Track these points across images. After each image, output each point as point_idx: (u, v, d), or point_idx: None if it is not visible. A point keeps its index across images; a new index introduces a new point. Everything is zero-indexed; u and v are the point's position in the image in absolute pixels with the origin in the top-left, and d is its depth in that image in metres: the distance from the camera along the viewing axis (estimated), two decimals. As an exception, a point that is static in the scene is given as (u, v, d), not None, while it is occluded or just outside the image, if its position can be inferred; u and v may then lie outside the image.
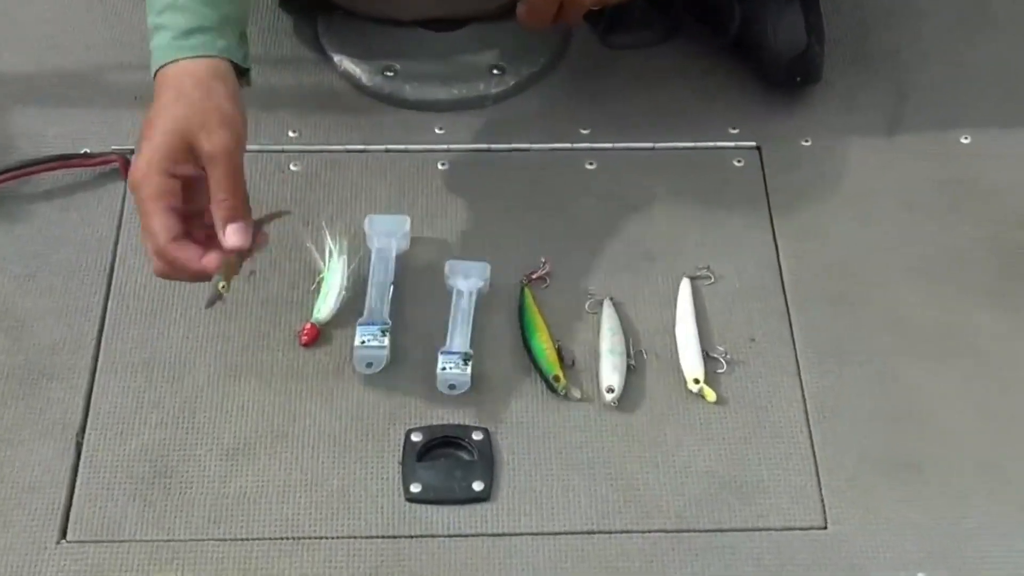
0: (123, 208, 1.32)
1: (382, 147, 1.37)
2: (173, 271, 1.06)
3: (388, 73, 1.42)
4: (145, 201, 1.04)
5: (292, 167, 1.35)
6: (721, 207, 1.33)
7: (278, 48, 1.46)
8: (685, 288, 1.26)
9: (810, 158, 1.38)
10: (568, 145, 1.38)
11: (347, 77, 1.43)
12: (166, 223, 1.04)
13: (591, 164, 1.37)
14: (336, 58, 1.44)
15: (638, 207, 1.33)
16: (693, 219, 1.32)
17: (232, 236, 1.05)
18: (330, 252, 1.25)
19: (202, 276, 1.06)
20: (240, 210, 1.05)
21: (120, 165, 1.34)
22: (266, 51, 1.45)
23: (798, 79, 1.39)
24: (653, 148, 1.38)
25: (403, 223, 1.26)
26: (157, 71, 1.09)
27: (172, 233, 1.04)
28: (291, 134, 1.38)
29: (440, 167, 1.36)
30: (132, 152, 1.33)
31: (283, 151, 1.36)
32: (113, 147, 1.35)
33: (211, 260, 1.05)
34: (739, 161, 1.37)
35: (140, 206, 1.05)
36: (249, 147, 1.29)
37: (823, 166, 1.37)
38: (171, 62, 1.08)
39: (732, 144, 1.38)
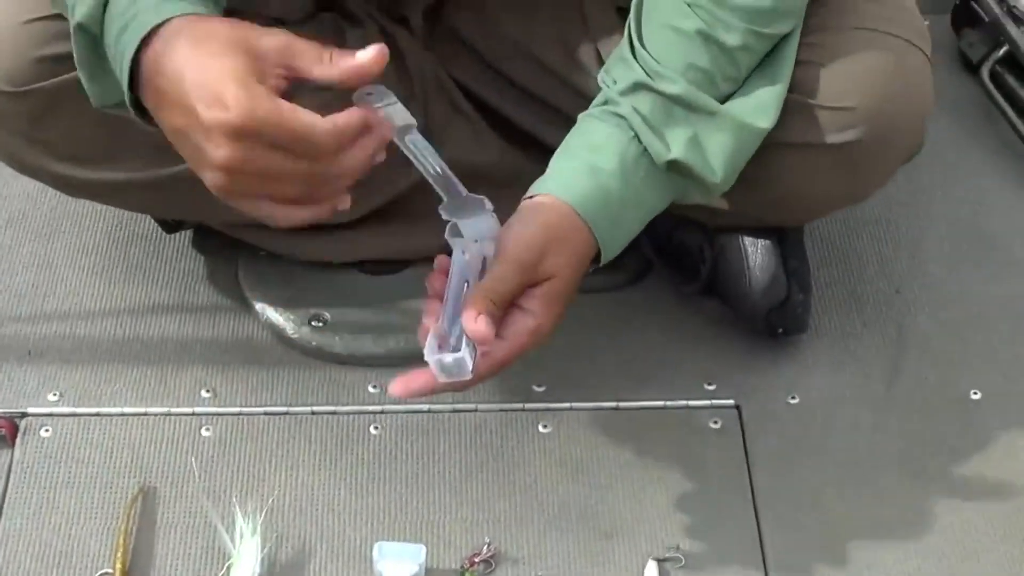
0: (8, 482, 1.31)
1: (307, 408, 1.38)
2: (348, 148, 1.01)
3: (316, 323, 1.43)
4: (270, 114, 0.97)
5: (203, 432, 1.36)
6: (694, 476, 1.33)
7: (192, 295, 1.48)
8: (651, 573, 1.25)
9: (797, 418, 1.38)
10: (519, 405, 1.38)
11: (270, 327, 1.44)
12: (309, 111, 0.99)
13: (545, 427, 1.37)
14: (258, 306, 1.45)
15: (599, 477, 1.33)
16: (662, 490, 1.32)
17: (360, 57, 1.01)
18: (241, 534, 1.24)
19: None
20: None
21: (6, 430, 1.34)
22: (178, 298, 1.47)
23: (780, 330, 1.41)
24: (617, 408, 1.39)
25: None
26: (146, 38, 1.02)
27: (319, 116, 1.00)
28: (204, 393, 1.39)
29: (373, 431, 1.36)
30: (21, 415, 1.35)
31: (194, 413, 1.37)
32: None
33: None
34: (716, 422, 1.38)
35: (271, 129, 0.97)
36: (154, 410, 1.36)
37: (812, 427, 1.38)
38: (150, 34, 1.02)
39: (708, 403, 1.39)
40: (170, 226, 1.49)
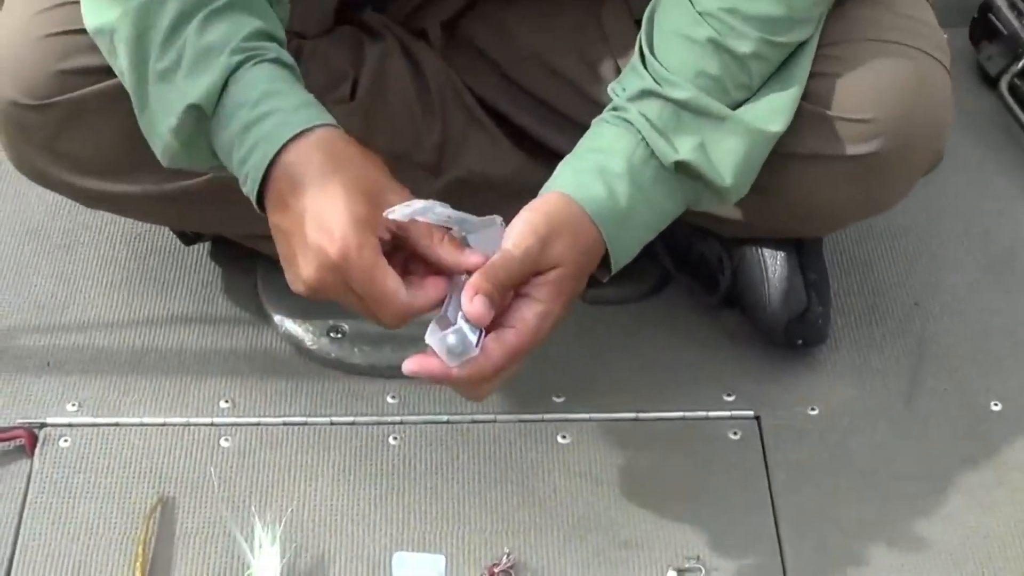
0: (27, 491, 1.32)
1: (326, 419, 1.39)
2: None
3: (335, 334, 1.44)
4: (364, 267, 1.06)
5: (222, 442, 1.37)
6: (714, 487, 1.34)
7: (210, 306, 1.49)
8: (671, 583, 1.26)
9: (817, 429, 1.39)
10: (538, 416, 1.39)
11: (288, 339, 1.45)
12: (397, 277, 1.08)
13: (564, 437, 1.38)
14: (276, 317, 1.46)
15: (618, 487, 1.34)
16: (681, 501, 1.32)
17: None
18: (260, 544, 1.25)
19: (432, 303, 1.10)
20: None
21: (26, 440, 1.35)
22: (197, 309, 1.48)
23: (799, 342, 1.42)
24: (636, 418, 1.39)
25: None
26: (276, 156, 1.09)
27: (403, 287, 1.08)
28: (223, 404, 1.40)
29: (392, 442, 1.37)
30: (40, 426, 1.36)
31: (212, 424, 1.38)
32: (19, 420, 1.37)
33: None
34: (735, 433, 1.38)
35: (359, 278, 1.06)
36: (173, 420, 1.37)
37: (832, 439, 1.38)
38: (292, 139, 1.09)
39: (727, 413, 1.40)
40: (189, 238, 1.50)
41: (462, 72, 1.41)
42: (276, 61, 1.12)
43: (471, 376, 1.11)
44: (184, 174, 1.28)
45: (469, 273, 1.10)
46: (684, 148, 1.18)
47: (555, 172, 1.20)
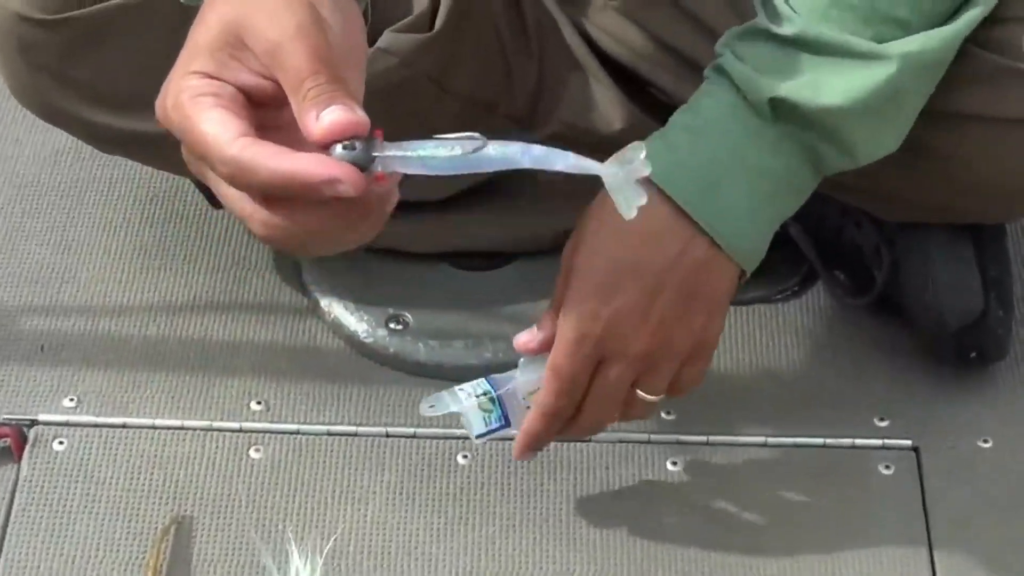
0: (12, 502, 1.32)
1: (380, 429, 1.39)
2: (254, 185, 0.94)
3: (395, 325, 1.44)
4: (185, 107, 0.94)
5: (252, 453, 1.37)
6: (860, 530, 1.33)
7: (242, 286, 1.50)
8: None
9: (989, 465, 1.38)
10: (644, 436, 1.39)
11: (338, 329, 1.45)
12: (223, 120, 0.93)
13: (675, 463, 1.37)
14: (324, 302, 1.46)
15: (741, 527, 1.33)
16: (820, 545, 1.32)
17: (330, 115, 0.92)
18: (297, 574, 1.25)
19: (309, 186, 0.91)
20: (337, 92, 0.93)
21: (12, 441, 1.35)
22: (225, 289, 1.49)
23: (972, 355, 1.40)
24: (765, 443, 1.39)
25: None
26: None
27: (239, 130, 0.93)
28: (255, 406, 1.40)
29: (461, 460, 1.37)
30: (30, 423, 1.37)
31: (241, 430, 1.38)
32: (4, 416, 1.38)
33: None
34: (888, 467, 1.37)
35: (181, 124, 0.95)
36: (192, 423, 1.38)
37: (1007, 477, 1.37)
38: None
39: (879, 442, 1.39)
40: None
41: (567, 4, 1.39)
42: None
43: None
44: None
45: None
46: (785, 86, 1.14)
47: None
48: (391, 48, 1.31)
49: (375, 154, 0.92)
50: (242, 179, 0.91)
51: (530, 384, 1.22)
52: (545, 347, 1.20)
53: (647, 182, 0.91)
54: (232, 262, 1.51)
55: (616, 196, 0.92)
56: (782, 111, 1.14)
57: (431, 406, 1.24)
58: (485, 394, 1.23)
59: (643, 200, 0.92)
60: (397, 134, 1.40)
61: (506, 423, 1.23)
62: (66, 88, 1.32)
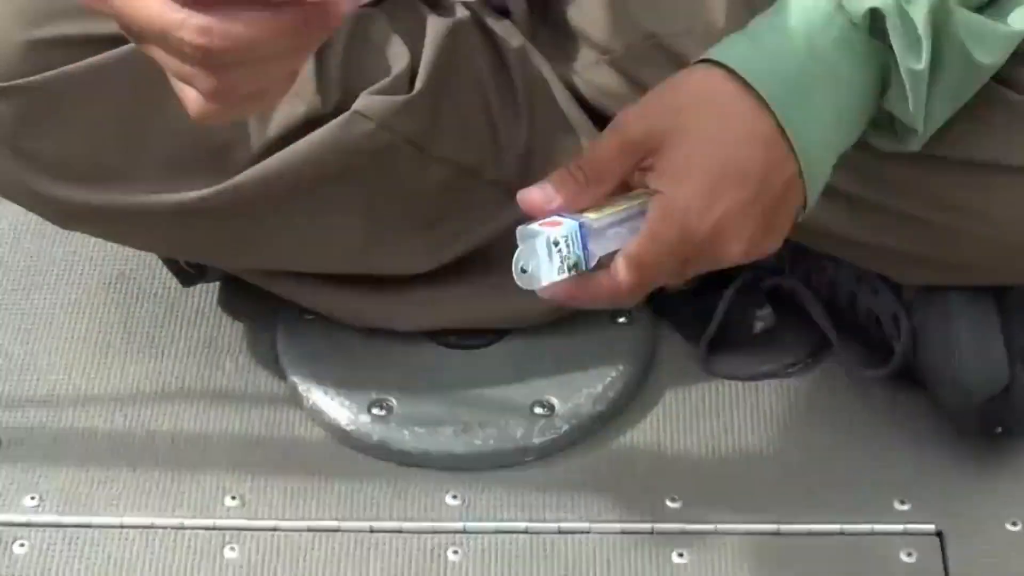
0: None
1: (365, 524, 1.37)
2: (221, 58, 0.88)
3: (378, 411, 1.42)
4: None
5: (227, 552, 1.35)
6: None
7: (215, 371, 1.49)
8: None
9: (1017, 550, 1.36)
10: (647, 526, 1.37)
11: (317, 416, 1.44)
12: None
13: (681, 555, 1.35)
14: (303, 387, 1.45)
15: None
16: None
17: None
18: None
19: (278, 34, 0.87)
20: None
21: None
22: (197, 375, 1.48)
23: (998, 430, 1.38)
24: (777, 531, 1.37)
25: None
26: None
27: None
28: (229, 501, 1.38)
29: (452, 556, 1.35)
30: None
31: (215, 527, 1.37)
32: None
33: None
34: (910, 554, 1.35)
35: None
36: (163, 521, 1.38)
37: None
38: None
39: (900, 527, 1.37)
40: (189, 276, 1.49)
41: (556, 60, 1.38)
42: None
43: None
44: (186, 179, 1.28)
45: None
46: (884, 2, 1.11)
47: None
48: (368, 111, 1.29)
49: None
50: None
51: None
52: (559, 210, 1.10)
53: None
54: (204, 344, 1.50)
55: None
56: (876, 28, 1.12)
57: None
58: (575, 266, 1.09)
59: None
60: (376, 203, 1.39)
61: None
62: (21, 160, 1.30)
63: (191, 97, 0.90)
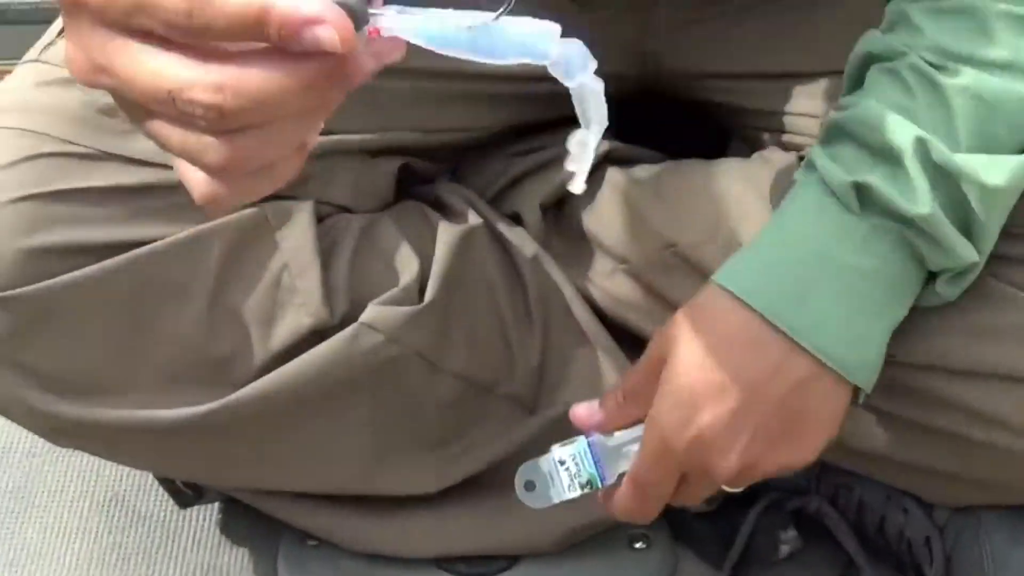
0: None
1: None
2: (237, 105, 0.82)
3: None
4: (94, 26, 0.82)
5: None
6: None
7: None
8: None
9: None
10: None
11: None
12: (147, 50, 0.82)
13: None
14: None
15: None
16: None
17: None
18: None
19: (286, 21, 0.78)
20: None
21: None
22: None
23: None
24: None
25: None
26: None
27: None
28: None
29: None
30: None
31: None
32: None
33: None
34: None
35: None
36: None
37: None
38: None
39: None
40: (186, 497, 1.47)
41: (570, 269, 1.38)
42: None
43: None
44: (184, 394, 1.27)
45: None
46: (873, 173, 1.10)
47: None
48: (376, 323, 1.28)
49: (372, 11, 0.82)
50: (200, 18, 0.79)
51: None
52: (598, 428, 1.19)
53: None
54: (203, 570, 1.47)
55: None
56: (869, 201, 1.11)
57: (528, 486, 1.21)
58: (589, 483, 1.20)
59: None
60: (384, 419, 1.36)
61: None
62: (15, 371, 1.27)
63: (197, 179, 0.87)
